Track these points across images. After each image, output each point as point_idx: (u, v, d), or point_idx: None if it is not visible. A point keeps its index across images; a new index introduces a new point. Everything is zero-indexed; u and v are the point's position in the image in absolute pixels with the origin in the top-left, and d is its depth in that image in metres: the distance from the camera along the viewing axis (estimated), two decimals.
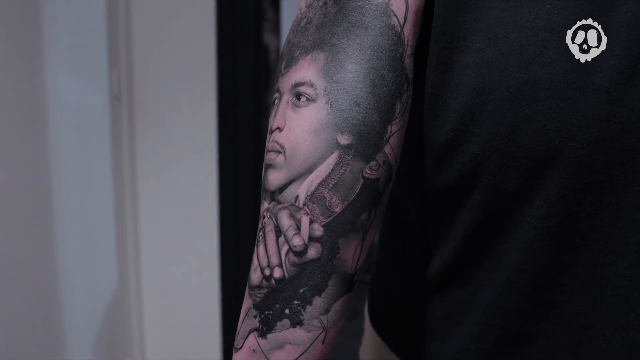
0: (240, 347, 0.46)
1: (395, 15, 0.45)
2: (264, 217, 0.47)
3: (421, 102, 0.51)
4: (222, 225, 1.84)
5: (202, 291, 1.89)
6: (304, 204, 0.44)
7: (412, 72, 0.47)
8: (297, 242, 0.44)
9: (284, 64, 0.48)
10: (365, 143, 0.44)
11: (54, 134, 1.47)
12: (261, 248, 0.46)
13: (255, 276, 0.46)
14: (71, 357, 1.59)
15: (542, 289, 0.50)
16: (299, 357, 0.44)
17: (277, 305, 0.44)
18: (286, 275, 0.44)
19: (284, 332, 0.44)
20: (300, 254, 0.44)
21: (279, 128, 0.46)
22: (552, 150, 0.46)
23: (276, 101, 0.48)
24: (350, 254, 0.45)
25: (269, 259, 0.45)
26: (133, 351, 1.94)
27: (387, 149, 0.45)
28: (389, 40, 0.45)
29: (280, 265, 0.44)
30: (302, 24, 0.48)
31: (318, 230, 0.44)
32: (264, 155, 0.48)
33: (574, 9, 0.44)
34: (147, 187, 1.88)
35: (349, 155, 0.44)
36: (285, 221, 0.44)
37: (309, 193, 0.44)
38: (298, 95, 0.46)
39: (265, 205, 0.47)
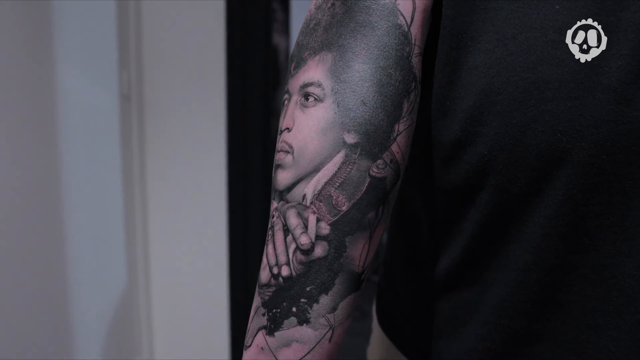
0: (249, 345, 0.47)
1: (402, 14, 0.45)
2: (273, 217, 0.47)
3: (429, 102, 0.51)
4: (231, 225, 1.84)
5: (211, 291, 1.90)
6: (311, 203, 0.44)
7: (420, 71, 0.47)
8: (304, 240, 0.44)
9: (293, 65, 0.49)
10: (371, 142, 0.44)
11: (65, 134, 1.48)
12: (270, 247, 0.46)
13: (264, 275, 0.47)
14: (80, 356, 1.60)
15: (549, 289, 0.50)
16: (306, 355, 0.45)
17: (284, 303, 0.45)
18: (293, 273, 0.44)
19: (291, 330, 0.44)
20: (307, 252, 0.44)
21: (288, 128, 0.47)
22: (560, 151, 0.46)
23: (286, 102, 0.48)
24: (358, 252, 0.45)
25: (277, 257, 0.45)
26: (142, 351, 1.95)
27: (394, 147, 0.45)
28: (396, 39, 0.45)
29: (287, 263, 0.45)
30: (311, 26, 0.49)
31: (325, 229, 0.44)
32: (272, 155, 0.49)
33: (583, 9, 0.44)
34: (157, 187, 1.88)
35: (355, 153, 0.44)
36: (293, 220, 0.45)
37: (315, 192, 0.44)
38: (306, 96, 0.46)
39: (274, 204, 0.47)
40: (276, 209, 0.47)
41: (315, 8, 0.49)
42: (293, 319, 0.44)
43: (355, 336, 1.97)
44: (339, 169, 0.44)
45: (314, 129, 0.45)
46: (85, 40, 1.58)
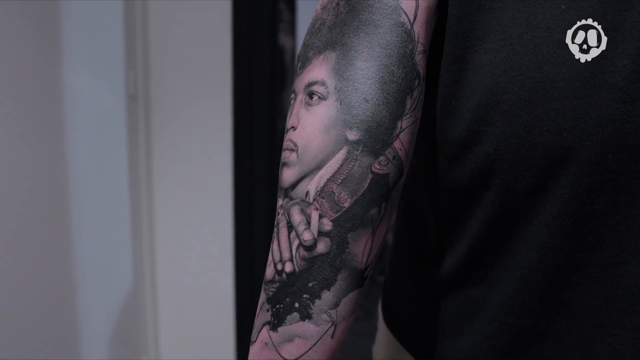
0: (255, 341, 0.47)
1: (405, 12, 0.46)
2: (278, 214, 0.48)
3: (435, 101, 0.52)
4: (237, 225, 1.84)
5: (217, 291, 1.90)
6: (314, 200, 0.45)
7: (424, 68, 0.47)
8: (306, 236, 0.45)
9: (299, 65, 0.49)
10: (374, 138, 0.44)
11: (72, 133, 1.48)
12: (275, 243, 0.47)
13: (269, 271, 0.47)
14: (86, 356, 1.61)
15: (555, 287, 0.50)
16: (308, 350, 0.45)
17: (287, 299, 0.45)
18: (296, 269, 0.45)
19: (294, 326, 0.45)
20: (310, 248, 0.45)
21: (293, 127, 0.47)
22: (565, 149, 0.46)
23: (292, 101, 0.49)
24: (360, 248, 0.45)
25: (281, 253, 0.46)
26: (148, 351, 1.95)
27: (397, 144, 0.45)
28: (398, 37, 0.45)
29: (291, 259, 0.45)
30: (317, 26, 0.49)
31: (327, 225, 0.44)
32: (278, 155, 0.49)
33: (588, 8, 0.44)
34: (163, 187, 1.89)
35: (357, 150, 0.44)
36: (297, 217, 0.45)
37: (318, 188, 0.45)
38: (311, 94, 0.47)
39: (279, 202, 0.48)
40: (281, 206, 0.47)
41: (321, 8, 0.50)
42: (295, 315, 0.45)
43: (361, 336, 1.97)
44: (341, 165, 0.44)
45: (318, 127, 0.45)
46: (92, 40, 1.58)
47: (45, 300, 1.42)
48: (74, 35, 1.48)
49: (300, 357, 0.45)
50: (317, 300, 0.45)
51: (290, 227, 0.46)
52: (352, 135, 0.44)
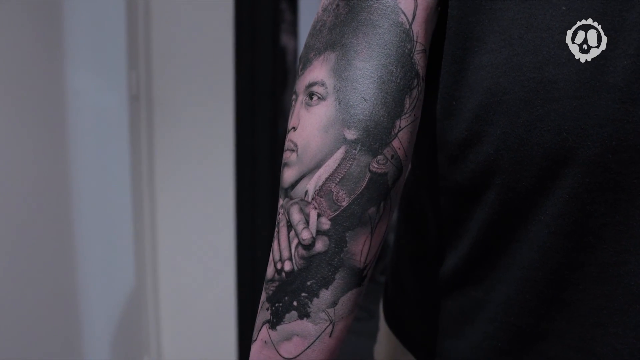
0: (255, 340, 0.48)
1: (403, 12, 0.46)
2: (279, 214, 0.48)
3: (435, 101, 0.52)
4: (239, 225, 1.85)
5: (218, 291, 1.91)
6: (313, 199, 0.45)
7: (424, 68, 0.48)
8: (305, 235, 0.45)
9: (300, 66, 0.50)
10: (372, 137, 0.45)
11: (74, 133, 1.49)
12: (275, 243, 0.47)
13: (269, 270, 0.47)
14: (88, 356, 1.61)
15: (555, 287, 0.51)
16: (306, 349, 0.45)
17: (286, 298, 0.46)
18: (295, 268, 0.45)
19: (292, 324, 0.45)
20: (308, 247, 0.45)
21: (294, 128, 0.48)
22: (565, 150, 0.46)
23: (293, 102, 0.49)
24: (359, 247, 0.45)
25: (280, 252, 0.46)
26: (150, 351, 1.96)
27: (395, 143, 0.45)
28: (397, 37, 0.46)
29: (290, 258, 0.46)
30: (317, 27, 0.50)
31: (325, 224, 0.45)
32: (280, 155, 0.50)
33: (588, 9, 0.44)
34: (165, 187, 1.89)
35: (355, 149, 0.44)
36: (296, 216, 0.46)
37: (317, 188, 0.45)
38: (311, 95, 0.47)
39: (280, 202, 0.48)
40: (282, 206, 0.48)
41: (322, 10, 0.50)
42: (294, 313, 0.45)
43: (362, 336, 1.97)
44: (339, 164, 0.45)
45: (317, 127, 0.46)
46: (94, 40, 1.59)
47: (47, 300, 1.42)
48: (77, 35, 1.48)
49: (298, 355, 0.45)
50: (315, 299, 0.45)
51: (290, 226, 0.46)
52: (350, 135, 0.45)
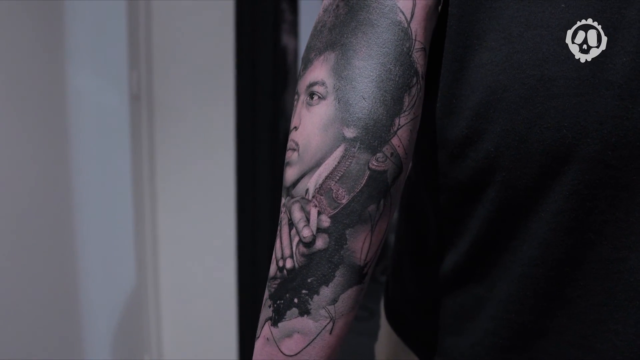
0: (258, 337, 0.48)
1: (402, 11, 0.46)
2: (281, 212, 0.48)
3: (436, 100, 0.52)
4: (240, 225, 1.85)
5: (219, 290, 1.91)
6: (313, 197, 0.45)
7: (424, 66, 0.48)
8: (306, 233, 0.45)
9: (302, 66, 0.50)
10: (371, 135, 0.45)
11: (75, 133, 1.49)
12: (277, 241, 0.48)
13: (272, 268, 0.48)
14: (89, 356, 1.61)
15: (556, 283, 0.51)
16: (307, 346, 0.46)
17: (287, 295, 0.46)
18: (296, 265, 0.46)
19: (293, 321, 0.46)
20: (309, 244, 0.45)
21: (295, 127, 0.48)
22: (565, 147, 0.46)
23: (295, 102, 0.50)
24: (359, 245, 0.46)
25: (282, 250, 0.47)
26: (150, 350, 1.96)
27: (395, 141, 0.46)
28: (395, 35, 0.46)
29: (291, 256, 0.46)
30: (318, 28, 0.50)
31: (325, 222, 0.45)
32: (280, 155, 0.50)
33: (588, 7, 0.44)
34: (166, 187, 1.90)
35: (354, 147, 0.45)
36: (297, 214, 0.46)
37: (317, 186, 0.45)
38: (311, 95, 0.47)
39: (282, 200, 0.49)
40: (284, 204, 0.48)
41: (323, 11, 0.51)
42: (295, 310, 0.46)
43: (363, 335, 1.97)
44: (338, 162, 0.45)
45: (317, 126, 0.46)
46: (95, 40, 1.59)
47: (48, 299, 1.43)
48: (78, 35, 1.48)
49: (299, 352, 0.46)
50: (315, 296, 0.45)
51: (291, 224, 0.46)
52: (350, 133, 0.45)
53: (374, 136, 0.45)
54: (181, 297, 1.95)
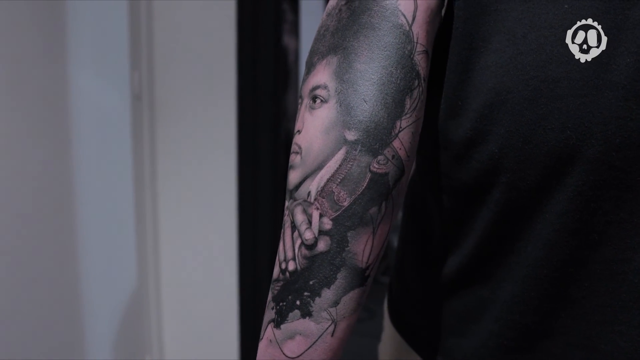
0: (261, 338, 0.48)
1: (403, 14, 0.46)
2: (285, 215, 0.49)
3: (440, 102, 0.52)
4: (241, 225, 1.85)
5: (220, 291, 1.91)
6: (315, 199, 0.46)
7: (425, 68, 0.48)
8: (308, 235, 0.45)
9: (306, 70, 0.51)
10: (372, 138, 0.45)
11: (76, 133, 1.49)
12: (281, 243, 0.48)
13: (275, 270, 0.48)
14: (90, 356, 1.61)
15: (560, 284, 0.51)
16: (309, 348, 0.46)
17: (290, 297, 0.46)
18: (298, 267, 0.46)
19: (295, 323, 0.46)
20: (311, 247, 0.45)
21: (298, 131, 0.49)
22: (570, 148, 0.46)
23: (299, 106, 0.50)
24: (361, 247, 0.46)
25: (285, 253, 0.47)
26: (152, 351, 1.96)
27: (396, 143, 0.46)
28: (396, 38, 0.46)
29: (294, 258, 0.46)
30: (322, 32, 0.50)
31: (327, 224, 0.45)
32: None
33: (590, 8, 0.44)
34: (167, 187, 1.90)
35: (355, 150, 0.45)
36: (299, 216, 0.46)
37: (319, 188, 0.46)
38: (314, 98, 0.48)
39: (286, 203, 0.49)
40: (287, 207, 0.48)
41: (326, 15, 0.51)
42: (297, 312, 0.46)
43: (364, 336, 1.97)
44: (340, 165, 0.45)
45: (319, 129, 0.46)
46: (97, 40, 1.59)
47: (49, 299, 1.43)
48: (79, 36, 1.48)
49: (301, 354, 0.46)
50: (317, 298, 0.45)
51: (294, 227, 0.47)
52: (351, 136, 0.45)
53: (375, 139, 0.45)
54: (182, 297, 1.96)
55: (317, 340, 0.46)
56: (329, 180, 0.45)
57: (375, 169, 0.45)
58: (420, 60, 0.47)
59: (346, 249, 0.45)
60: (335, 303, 0.46)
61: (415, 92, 0.47)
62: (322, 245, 0.45)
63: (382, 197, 0.46)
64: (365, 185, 0.45)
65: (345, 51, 0.47)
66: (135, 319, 1.87)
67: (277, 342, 0.46)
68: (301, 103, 0.49)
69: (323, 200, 0.45)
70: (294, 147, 0.49)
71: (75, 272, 1.53)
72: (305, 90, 0.49)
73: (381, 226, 0.46)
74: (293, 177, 0.48)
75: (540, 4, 0.46)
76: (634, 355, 0.49)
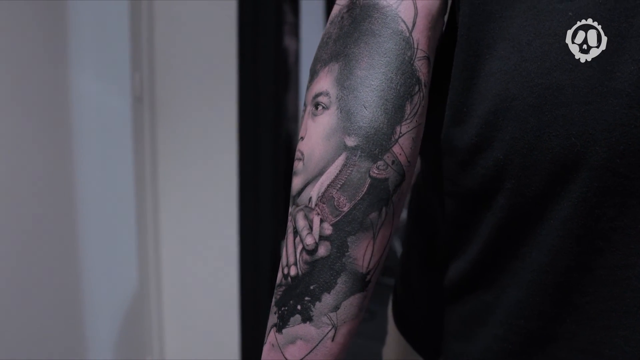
0: (265, 342, 0.49)
1: (403, 21, 0.47)
2: (288, 221, 0.49)
3: (445, 108, 0.52)
4: (242, 226, 1.85)
5: (222, 291, 1.91)
6: (316, 205, 0.46)
7: (426, 74, 0.48)
8: (309, 241, 0.46)
9: (309, 78, 0.51)
10: (371, 144, 0.45)
11: (77, 135, 1.49)
12: (284, 249, 0.49)
13: (278, 275, 0.49)
14: (91, 357, 1.61)
15: (564, 290, 0.51)
16: (309, 353, 0.46)
17: (291, 302, 0.47)
18: (299, 272, 0.46)
19: (296, 328, 0.46)
20: (312, 252, 0.46)
21: (302, 137, 0.49)
22: (574, 154, 0.47)
23: (303, 113, 0.51)
24: (361, 252, 0.46)
25: (287, 258, 0.48)
26: (152, 351, 1.96)
27: (396, 149, 0.46)
28: (397, 45, 0.47)
29: (295, 263, 0.47)
30: (325, 40, 0.51)
31: (327, 229, 0.46)
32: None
33: (591, 10, 0.45)
34: (168, 188, 1.90)
35: (355, 156, 0.45)
36: (301, 222, 0.47)
37: (319, 194, 0.46)
38: (316, 105, 0.48)
39: (290, 209, 0.49)
40: (290, 213, 0.49)
41: (329, 23, 0.51)
42: (298, 317, 0.46)
43: (364, 338, 1.98)
44: (340, 171, 0.46)
45: (320, 135, 0.47)
46: (98, 42, 1.59)
47: (50, 300, 1.43)
48: (80, 38, 1.48)
49: (302, 359, 0.46)
50: (317, 303, 0.46)
51: (296, 232, 0.47)
52: (351, 142, 0.45)
53: (375, 144, 0.45)
54: (183, 298, 1.96)
55: (317, 344, 0.46)
56: (329, 185, 0.46)
57: (375, 175, 0.46)
58: (421, 66, 0.47)
59: (346, 254, 0.46)
60: (336, 308, 0.46)
61: (416, 98, 0.47)
62: (322, 251, 0.46)
63: (382, 202, 0.46)
64: (365, 191, 0.45)
65: (347, 58, 0.47)
66: (136, 320, 1.87)
67: (279, 347, 0.47)
68: (305, 110, 0.50)
69: (323, 205, 0.46)
70: (297, 154, 0.49)
71: (77, 273, 1.53)
72: (309, 97, 0.49)
73: (382, 231, 0.47)
74: (296, 183, 0.48)
75: (545, 11, 0.46)
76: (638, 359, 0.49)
